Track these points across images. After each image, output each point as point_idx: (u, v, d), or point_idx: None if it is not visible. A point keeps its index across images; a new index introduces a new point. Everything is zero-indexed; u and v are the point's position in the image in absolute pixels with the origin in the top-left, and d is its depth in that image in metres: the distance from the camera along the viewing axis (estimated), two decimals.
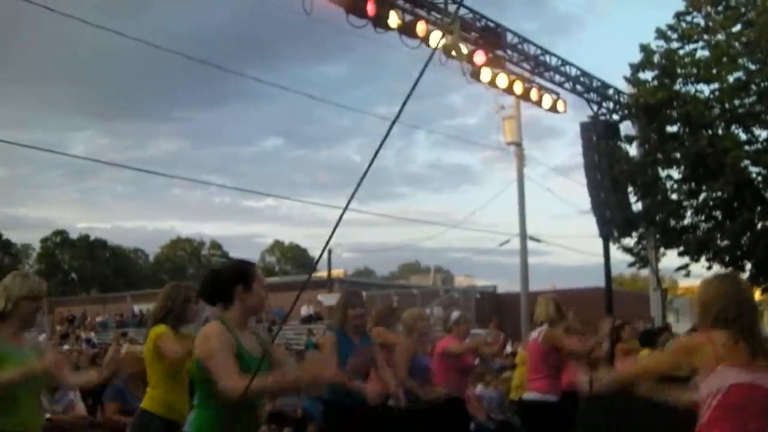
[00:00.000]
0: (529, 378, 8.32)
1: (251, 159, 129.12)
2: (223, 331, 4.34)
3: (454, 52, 16.01)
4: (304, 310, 39.45)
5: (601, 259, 23.00)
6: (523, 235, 31.11)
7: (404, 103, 3.53)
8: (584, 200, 22.52)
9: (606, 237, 22.63)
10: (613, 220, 22.16)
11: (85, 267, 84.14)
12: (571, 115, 24.08)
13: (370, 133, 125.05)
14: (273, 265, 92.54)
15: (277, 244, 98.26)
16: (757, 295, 23.96)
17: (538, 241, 36.20)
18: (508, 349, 23.92)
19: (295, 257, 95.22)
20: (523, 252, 30.91)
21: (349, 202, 3.80)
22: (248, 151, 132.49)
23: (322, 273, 46.75)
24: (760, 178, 20.87)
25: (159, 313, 6.32)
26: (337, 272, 50.91)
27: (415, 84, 3.49)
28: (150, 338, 6.29)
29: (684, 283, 56.96)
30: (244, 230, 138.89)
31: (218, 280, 4.55)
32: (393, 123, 3.68)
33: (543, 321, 8.31)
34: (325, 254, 43.71)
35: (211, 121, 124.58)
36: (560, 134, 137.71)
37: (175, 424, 5.97)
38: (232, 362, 4.23)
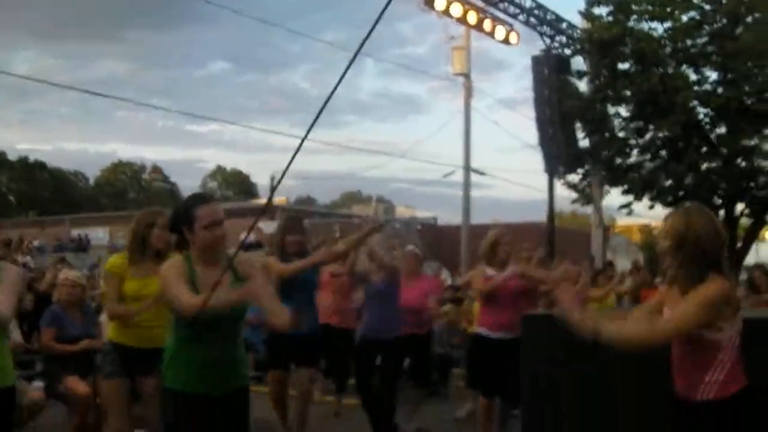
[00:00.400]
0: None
1: (198, 82, 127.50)
2: (179, 263, 4.23)
3: None
4: (243, 236, 39.16)
5: (543, 195, 23.07)
6: (467, 168, 31.04)
7: (366, 38, 3.35)
8: (529, 134, 22.56)
9: (551, 173, 22.63)
10: (559, 156, 22.13)
11: (23, 189, 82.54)
12: (522, 49, 24.07)
13: (319, 59, 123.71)
14: (215, 191, 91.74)
15: (220, 170, 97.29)
16: None
17: (482, 173, 36.18)
18: (448, 281, 23.92)
19: (237, 183, 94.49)
20: (467, 184, 30.86)
21: (307, 132, 3.63)
22: (196, 74, 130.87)
23: (263, 200, 46.41)
24: (707, 119, 20.95)
25: (129, 242, 6.06)
26: (280, 200, 50.65)
27: (379, 18, 3.29)
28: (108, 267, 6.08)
29: (622, 221, 57.86)
30: (186, 155, 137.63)
31: (176, 216, 4.40)
32: (354, 57, 3.52)
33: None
34: (267, 181, 43.37)
35: (162, 43, 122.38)
36: (508, 67, 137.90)
37: (145, 350, 5.73)
38: (183, 285, 4.09)
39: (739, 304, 3.97)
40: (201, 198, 4.38)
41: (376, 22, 3.29)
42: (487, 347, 7.76)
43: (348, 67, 3.49)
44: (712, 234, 3.89)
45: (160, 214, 6.02)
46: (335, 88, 3.51)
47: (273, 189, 6.30)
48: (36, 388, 7.79)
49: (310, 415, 7.70)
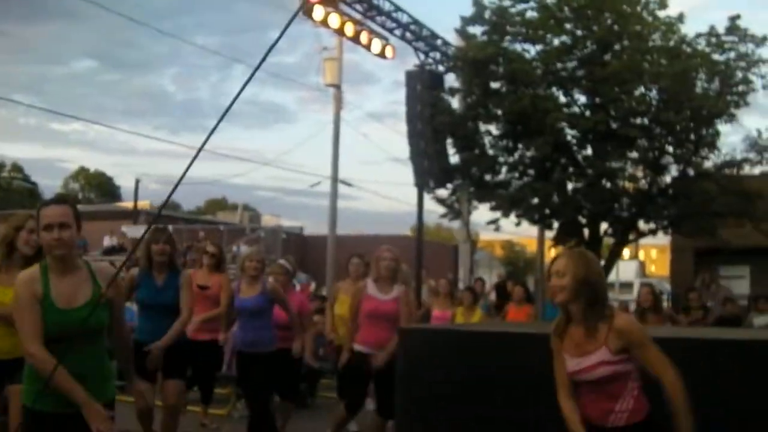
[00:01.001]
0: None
1: (62, 80, 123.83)
2: (30, 279, 4.04)
3: None
4: (107, 241, 38.06)
5: (408, 207, 23.33)
6: (335, 178, 31.01)
7: (270, 49, 3.44)
8: (396, 148, 22.75)
9: (421, 186, 22.76)
10: (430, 170, 22.27)
11: None
12: (392, 63, 24.09)
13: (186, 63, 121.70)
14: (77, 192, 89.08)
15: (82, 171, 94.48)
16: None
17: (349, 185, 36.27)
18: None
19: (100, 185, 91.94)
20: (334, 195, 30.81)
21: (206, 140, 3.61)
22: (60, 71, 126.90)
23: (127, 203, 45.38)
24: (575, 141, 21.46)
25: None
26: (143, 203, 49.52)
27: (284, 29, 3.29)
28: None
29: (485, 236, 58.92)
30: (48, 154, 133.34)
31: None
32: (258, 66, 3.53)
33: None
34: (132, 184, 42.45)
35: (26, 36, 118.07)
36: (378, 80, 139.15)
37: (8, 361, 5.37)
38: (31, 321, 3.95)
39: None
40: (47, 201, 4.26)
41: (282, 33, 3.34)
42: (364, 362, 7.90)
43: (251, 76, 3.51)
44: (602, 275, 4.20)
45: (31, 216, 5.71)
46: (237, 96, 3.50)
47: (170, 194, 6.06)
48: None
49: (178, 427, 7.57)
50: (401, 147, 21.31)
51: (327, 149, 28.69)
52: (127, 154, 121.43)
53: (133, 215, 43.56)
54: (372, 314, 7.99)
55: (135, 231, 39.31)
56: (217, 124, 3.52)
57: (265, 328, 8.29)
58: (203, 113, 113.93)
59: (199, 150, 3.60)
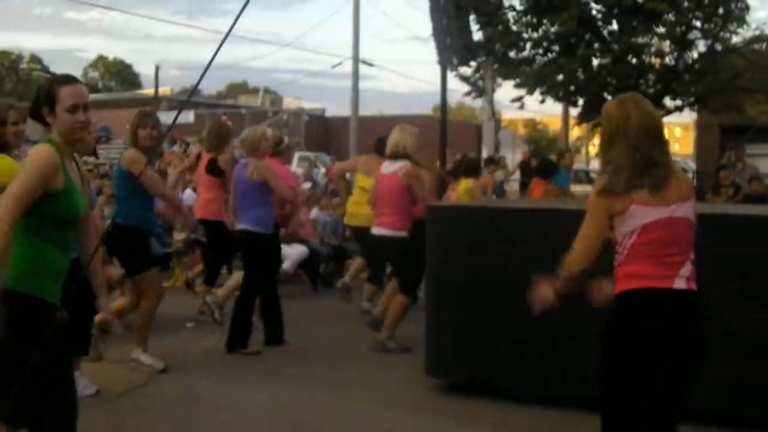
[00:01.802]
0: (380, 211, 7.98)
1: None
2: (53, 155, 3.68)
3: None
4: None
5: (430, 87, 23.22)
6: (356, 58, 30.71)
7: None
8: (418, 26, 22.23)
9: (444, 64, 22.42)
10: (452, 48, 21.91)
11: None
12: None
13: None
14: (96, 81, 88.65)
15: (101, 59, 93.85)
16: (584, 130, 24.58)
17: (371, 65, 36.00)
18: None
19: (120, 73, 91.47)
20: (355, 76, 30.59)
21: (231, 27, 3.41)
22: None
23: (148, 90, 45.18)
24: (600, 16, 21.03)
25: None
26: (164, 90, 49.30)
27: None
28: None
29: (507, 115, 58.50)
30: (66, 43, 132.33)
31: (39, 93, 3.86)
32: None
33: (407, 152, 7.93)
34: (151, 71, 42.24)
35: None
36: None
37: None
38: (26, 195, 3.55)
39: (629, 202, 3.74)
40: (64, 78, 3.89)
41: None
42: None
43: None
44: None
45: (11, 107, 5.61)
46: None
47: (198, 81, 6.03)
48: None
49: None
50: (423, 25, 21.03)
51: (347, 29, 28.37)
52: (145, 40, 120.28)
53: (154, 102, 43.45)
54: (376, 189, 8.08)
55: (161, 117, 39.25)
56: (242, 10, 3.39)
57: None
58: None
59: (225, 37, 3.52)
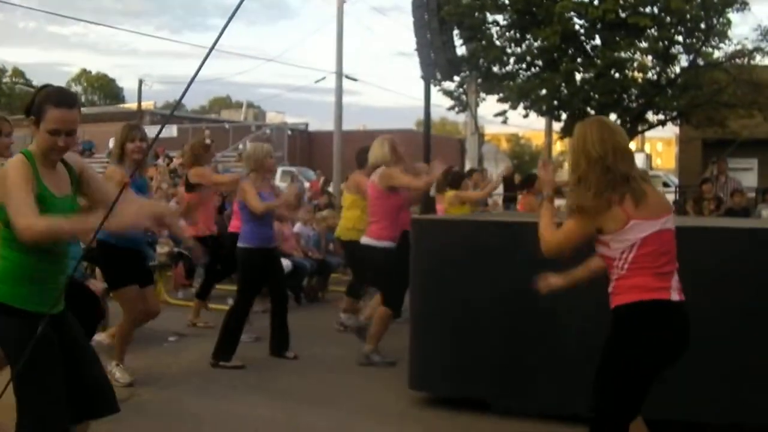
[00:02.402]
0: (369, 221, 8.02)
1: None
2: (24, 164, 3.70)
3: None
4: (112, 143, 38.19)
5: (413, 102, 23.33)
6: (340, 73, 30.77)
7: None
8: (402, 41, 22.27)
9: (428, 79, 22.46)
10: (436, 62, 21.96)
11: None
12: None
13: None
14: (80, 95, 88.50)
15: (84, 73, 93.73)
16: (567, 144, 24.64)
17: (354, 80, 36.02)
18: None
19: (103, 87, 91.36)
20: (339, 90, 30.65)
21: (215, 42, 3.45)
22: None
23: (131, 105, 45.16)
24: (583, 31, 21.13)
25: None
26: (147, 104, 49.24)
27: None
28: None
29: (491, 130, 58.69)
30: (49, 57, 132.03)
31: (31, 99, 3.86)
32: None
33: (380, 162, 7.95)
34: (135, 86, 42.18)
35: None
36: None
37: None
38: (30, 199, 3.61)
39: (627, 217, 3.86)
40: (60, 97, 3.84)
41: None
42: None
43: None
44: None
45: (4, 119, 5.63)
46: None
47: (182, 95, 6.07)
48: None
49: None
50: (406, 41, 21.18)
51: (331, 45, 28.43)
52: (128, 55, 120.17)
53: (137, 116, 43.39)
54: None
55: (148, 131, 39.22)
56: (224, 27, 3.39)
57: (271, 225, 8.27)
58: (205, 11, 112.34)
59: (209, 52, 3.51)
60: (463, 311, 6.26)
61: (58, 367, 3.76)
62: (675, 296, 3.88)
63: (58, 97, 3.82)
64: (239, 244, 7.97)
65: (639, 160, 50.69)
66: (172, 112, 23.74)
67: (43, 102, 3.77)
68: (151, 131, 9.84)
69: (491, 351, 6.13)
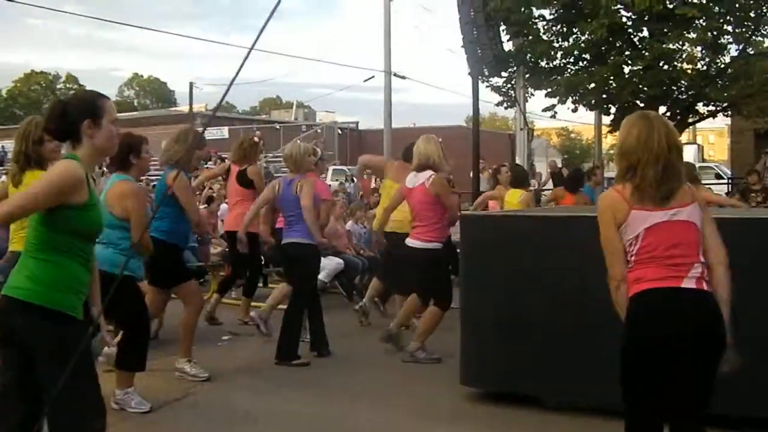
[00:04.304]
0: (414, 224, 7.98)
1: None
2: (76, 167, 3.67)
3: None
4: (164, 145, 38.56)
5: (462, 98, 23.12)
6: (388, 72, 30.83)
7: None
8: (449, 38, 22.30)
9: (475, 75, 22.49)
10: (484, 59, 21.99)
11: None
12: None
13: None
14: (132, 99, 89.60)
15: (136, 77, 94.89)
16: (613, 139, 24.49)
17: (403, 78, 36.02)
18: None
19: (155, 90, 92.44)
20: (388, 88, 30.69)
21: (254, 43, 3.46)
22: None
23: (183, 107, 45.67)
24: (631, 23, 20.98)
25: (16, 155, 5.75)
26: (199, 106, 49.72)
27: None
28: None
29: (541, 124, 58.34)
30: (101, 63, 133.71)
31: (65, 112, 3.81)
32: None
33: (430, 160, 7.98)
34: (186, 89, 42.65)
35: None
36: None
37: None
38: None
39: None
40: (99, 93, 3.95)
41: None
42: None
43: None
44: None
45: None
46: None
47: (223, 96, 6.14)
48: None
49: None
50: (454, 38, 21.12)
51: (379, 43, 28.51)
52: (178, 58, 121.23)
53: (189, 118, 43.85)
54: (411, 204, 8.05)
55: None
56: (265, 24, 3.45)
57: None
58: (253, 12, 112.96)
59: (250, 50, 3.55)
60: (513, 306, 6.31)
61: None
62: (688, 284, 3.76)
63: (96, 92, 3.98)
64: (297, 240, 8.02)
65: (690, 152, 49.95)
66: (214, 112, 23.92)
67: (96, 100, 3.86)
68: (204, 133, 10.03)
69: (542, 346, 6.17)
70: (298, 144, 8.79)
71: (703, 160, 45.87)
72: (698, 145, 56.92)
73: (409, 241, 7.98)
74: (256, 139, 10.58)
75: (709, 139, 77.24)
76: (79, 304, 3.77)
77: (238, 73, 3.62)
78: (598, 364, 5.93)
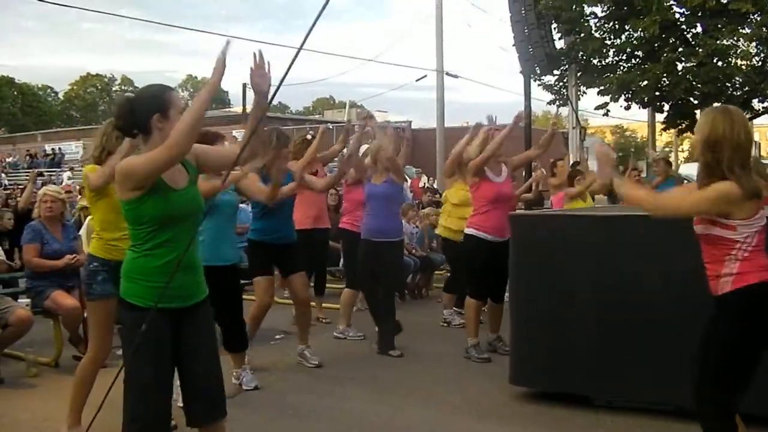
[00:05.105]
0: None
1: None
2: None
3: None
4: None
5: (513, 97, 23.12)
6: (441, 71, 30.87)
7: None
8: (501, 37, 22.32)
9: (527, 74, 22.47)
10: (535, 57, 21.96)
11: None
12: None
13: None
14: (187, 100, 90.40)
15: (190, 79, 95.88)
16: (672, 135, 24.33)
17: (455, 77, 36.01)
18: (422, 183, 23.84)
19: None
20: (440, 88, 30.74)
21: (302, 43, 3.54)
22: None
23: (237, 108, 45.99)
24: (684, 19, 20.80)
25: (95, 152, 5.87)
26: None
27: None
28: (83, 180, 5.92)
29: (595, 122, 57.95)
30: (156, 65, 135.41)
31: (133, 109, 3.98)
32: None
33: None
34: (239, 89, 42.94)
35: None
36: None
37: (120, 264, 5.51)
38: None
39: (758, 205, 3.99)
40: (165, 86, 4.11)
41: None
42: (488, 249, 7.87)
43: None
44: (732, 136, 4.01)
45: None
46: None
47: (273, 95, 6.20)
48: (22, 306, 7.76)
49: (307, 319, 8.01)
50: (506, 36, 21.14)
51: (430, 42, 28.57)
52: (232, 59, 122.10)
53: (243, 120, 44.09)
54: (495, 198, 7.95)
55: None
56: (314, 24, 3.52)
57: (395, 216, 8.50)
58: (305, 12, 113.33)
59: (299, 51, 3.60)
60: (562, 305, 6.33)
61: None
62: None
63: (160, 84, 4.13)
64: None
65: None
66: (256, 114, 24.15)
67: (163, 93, 4.01)
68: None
69: (591, 345, 6.19)
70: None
71: (761, 156, 45.21)
72: (756, 141, 56.17)
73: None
74: (308, 136, 10.71)
75: (767, 136, 76.01)
76: (150, 289, 3.89)
77: (287, 73, 3.70)
78: (648, 362, 5.96)
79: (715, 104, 20.37)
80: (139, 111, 3.95)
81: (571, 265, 6.33)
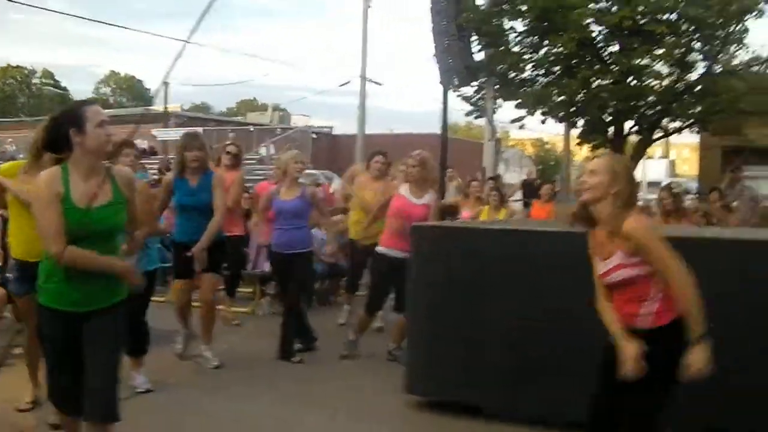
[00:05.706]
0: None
1: None
2: (51, 179, 4.09)
3: None
4: (138, 144, 38.43)
5: (436, 106, 23.10)
6: (364, 77, 31.00)
7: None
8: (426, 47, 22.48)
9: (446, 84, 22.62)
10: (454, 68, 22.12)
11: None
12: None
13: None
14: (108, 97, 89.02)
15: (113, 75, 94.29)
16: (586, 151, 24.78)
17: (379, 84, 36.24)
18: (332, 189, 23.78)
19: (131, 88, 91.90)
20: (363, 94, 30.87)
21: (191, 35, 3.51)
22: None
23: (158, 107, 45.49)
24: (600, 37, 21.18)
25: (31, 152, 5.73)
26: (174, 107, 49.47)
27: None
28: None
29: (515, 134, 58.67)
30: (80, 59, 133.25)
31: (54, 127, 4.23)
32: None
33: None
34: (162, 87, 42.52)
35: None
36: None
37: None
38: (53, 218, 4.03)
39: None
40: (85, 101, 4.35)
41: None
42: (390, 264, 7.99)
43: None
44: (633, 181, 4.18)
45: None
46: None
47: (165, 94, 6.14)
48: None
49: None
50: (429, 45, 21.32)
51: (356, 49, 28.68)
52: (158, 56, 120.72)
53: (163, 118, 43.73)
54: (399, 214, 8.01)
55: (165, 134, 39.59)
56: (202, 15, 3.52)
57: (302, 228, 8.47)
58: (232, 12, 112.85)
59: (182, 48, 3.65)
60: (461, 318, 6.40)
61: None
62: None
63: (87, 100, 4.55)
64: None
65: (662, 167, 50.48)
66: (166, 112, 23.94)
67: (77, 109, 4.20)
68: (177, 133, 10.11)
69: (486, 356, 6.27)
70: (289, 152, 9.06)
71: (674, 175, 46.29)
72: (670, 160, 57.46)
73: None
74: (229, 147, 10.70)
75: (684, 155, 77.72)
76: (74, 296, 4.21)
77: (172, 67, 3.69)
78: (540, 376, 6.03)
79: (628, 122, 20.87)
80: (59, 127, 4.18)
81: (465, 276, 6.39)
